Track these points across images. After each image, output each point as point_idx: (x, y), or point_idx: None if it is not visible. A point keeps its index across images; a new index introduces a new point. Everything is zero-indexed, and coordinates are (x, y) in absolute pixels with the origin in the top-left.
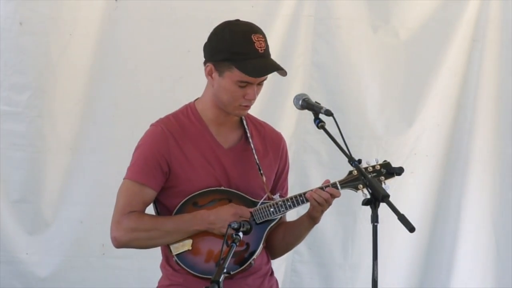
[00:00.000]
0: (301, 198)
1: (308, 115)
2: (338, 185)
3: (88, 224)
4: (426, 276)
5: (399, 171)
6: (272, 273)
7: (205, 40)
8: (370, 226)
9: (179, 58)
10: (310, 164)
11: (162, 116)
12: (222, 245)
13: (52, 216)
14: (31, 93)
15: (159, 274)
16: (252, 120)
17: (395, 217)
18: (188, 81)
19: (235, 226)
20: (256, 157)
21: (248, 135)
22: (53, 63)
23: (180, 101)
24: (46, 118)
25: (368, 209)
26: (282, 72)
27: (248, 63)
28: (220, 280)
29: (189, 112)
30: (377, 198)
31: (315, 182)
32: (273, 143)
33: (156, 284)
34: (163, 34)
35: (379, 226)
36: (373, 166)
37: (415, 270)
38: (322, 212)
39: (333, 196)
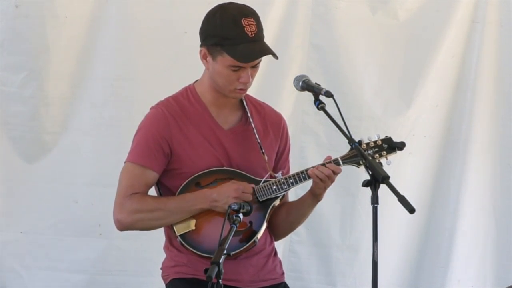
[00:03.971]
0: (303, 175)
1: (307, 96)
2: (340, 161)
3: (83, 204)
4: (425, 257)
5: (401, 145)
6: (275, 253)
7: (201, 20)
8: (368, 207)
9: (176, 39)
10: (308, 145)
11: (158, 96)
12: (222, 227)
13: (46, 195)
14: (26, 73)
15: (157, 254)
16: (252, 101)
17: (394, 198)
18: (185, 62)
19: (235, 208)
20: (257, 136)
21: (249, 115)
22: (48, 45)
23: (176, 82)
24: (40, 99)
25: (366, 190)
26: (274, 55)
27: (237, 48)
28: (220, 261)
29: (189, 94)
30: (377, 180)
31: (313, 163)
32: (273, 123)
33: (155, 265)
34: (159, 15)
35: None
36: (375, 142)
37: (414, 251)
38: (325, 189)
39: (335, 172)
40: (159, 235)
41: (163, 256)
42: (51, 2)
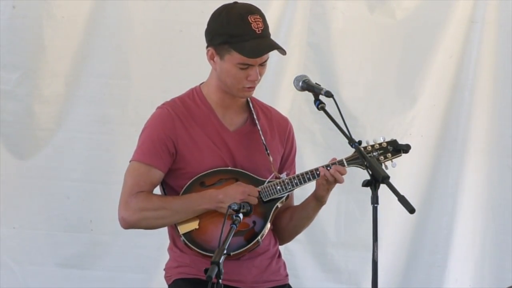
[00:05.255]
0: (308, 176)
1: (303, 95)
2: (345, 162)
3: (75, 200)
4: (422, 257)
5: (406, 148)
6: (279, 255)
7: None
8: (363, 205)
9: (171, 38)
10: (305, 145)
11: (153, 95)
12: (223, 227)
13: (39, 191)
14: (22, 72)
15: (150, 251)
16: (259, 104)
17: (391, 197)
18: (180, 60)
19: (235, 208)
20: (262, 137)
21: (255, 117)
22: (44, 44)
23: (171, 80)
24: (35, 97)
25: (360, 187)
26: (282, 51)
27: (246, 45)
28: (220, 261)
29: (195, 95)
30: (377, 180)
31: (309, 162)
32: (279, 127)
33: (146, 261)
34: (154, 14)
35: (370, 207)
36: (380, 144)
37: (411, 250)
38: (328, 191)
39: (340, 174)
40: (152, 231)
41: (155, 252)
42: (48, 2)
